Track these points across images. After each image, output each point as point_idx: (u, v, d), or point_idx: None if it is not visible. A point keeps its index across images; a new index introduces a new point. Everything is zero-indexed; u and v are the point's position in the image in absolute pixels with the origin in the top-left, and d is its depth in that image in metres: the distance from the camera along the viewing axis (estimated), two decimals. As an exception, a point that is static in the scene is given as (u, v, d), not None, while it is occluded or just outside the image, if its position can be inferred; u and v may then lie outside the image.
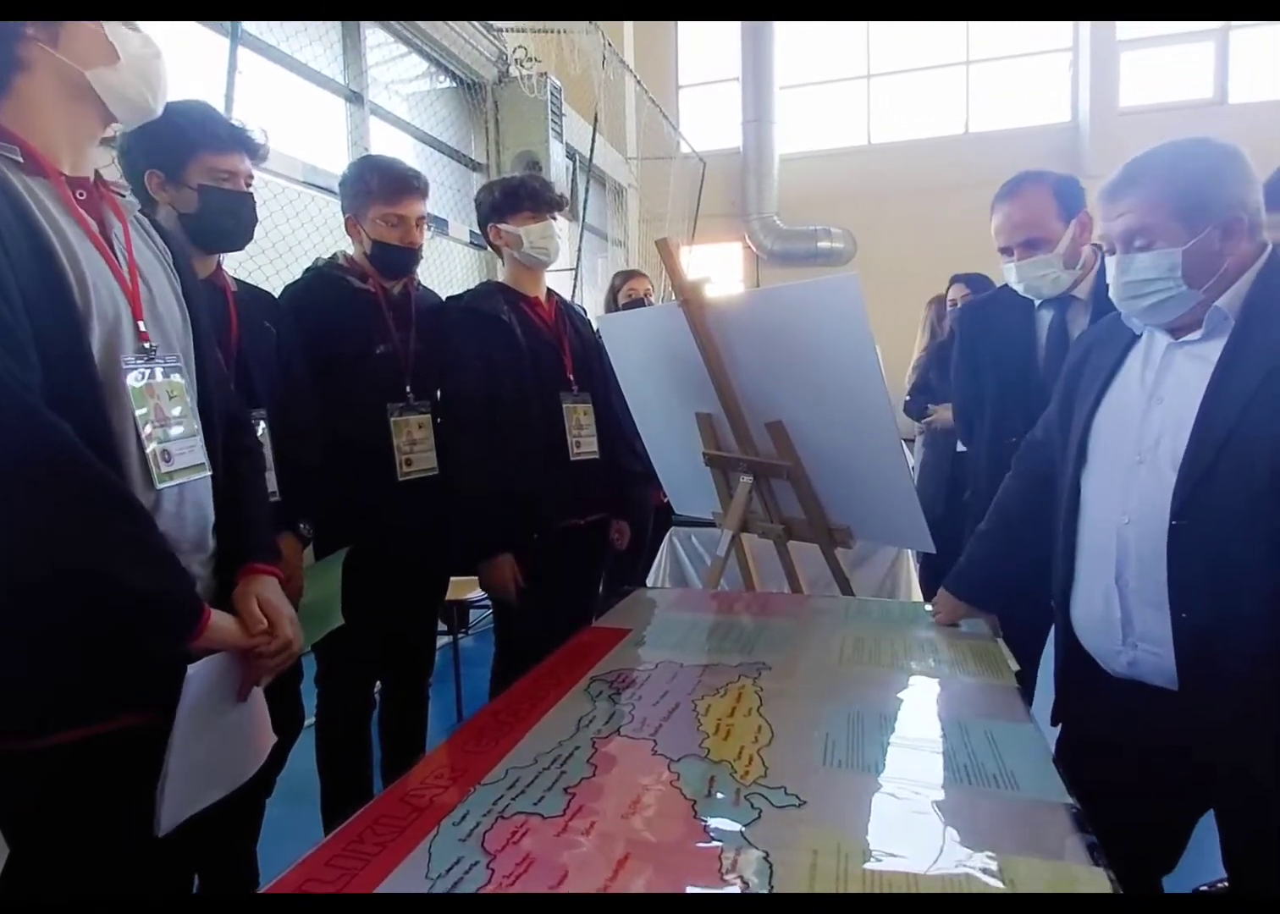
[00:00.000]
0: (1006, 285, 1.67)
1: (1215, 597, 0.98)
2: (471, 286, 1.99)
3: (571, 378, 1.91)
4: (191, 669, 0.86)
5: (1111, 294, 1.10)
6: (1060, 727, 1.23)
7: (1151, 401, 1.08)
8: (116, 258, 0.90)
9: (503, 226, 1.86)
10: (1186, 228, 1.01)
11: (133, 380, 0.88)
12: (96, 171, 0.94)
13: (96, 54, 0.86)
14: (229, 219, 1.35)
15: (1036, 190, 1.56)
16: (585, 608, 1.84)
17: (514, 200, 1.83)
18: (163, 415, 0.91)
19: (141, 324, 0.90)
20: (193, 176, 1.30)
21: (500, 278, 2.00)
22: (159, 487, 0.89)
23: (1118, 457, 1.10)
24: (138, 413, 0.88)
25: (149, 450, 0.89)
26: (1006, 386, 1.69)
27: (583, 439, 1.91)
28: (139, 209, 1.01)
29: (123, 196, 0.97)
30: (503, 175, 2.00)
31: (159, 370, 0.92)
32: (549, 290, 1.99)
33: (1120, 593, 1.08)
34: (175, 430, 0.93)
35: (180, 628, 0.86)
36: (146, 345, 0.90)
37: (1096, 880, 0.68)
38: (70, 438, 0.78)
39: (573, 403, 1.91)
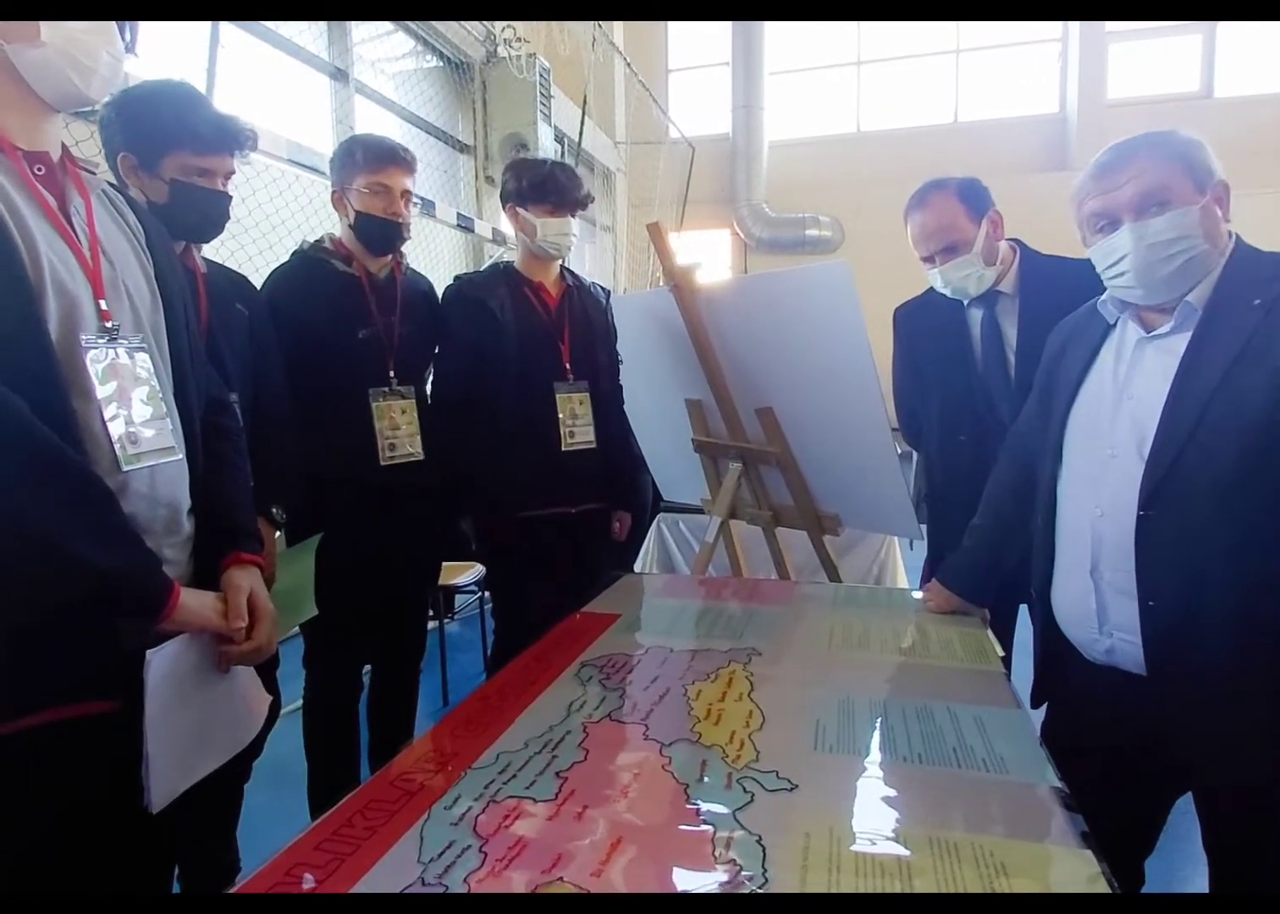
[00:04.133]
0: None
1: (1182, 586, 1.00)
2: (458, 269, 1.97)
3: (568, 366, 1.89)
4: (150, 654, 0.85)
5: (1128, 265, 1.04)
6: (1045, 711, 1.25)
7: (1123, 396, 1.09)
8: (76, 235, 0.87)
9: (521, 211, 1.85)
10: (1196, 186, 1.01)
11: (94, 359, 0.86)
12: (65, 146, 0.91)
13: (16, 29, 0.81)
14: (197, 216, 1.31)
15: (943, 197, 1.60)
16: (578, 594, 1.85)
17: (538, 191, 1.82)
18: (128, 396, 0.89)
19: (103, 303, 0.88)
20: (166, 170, 1.26)
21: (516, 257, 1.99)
22: (126, 469, 0.87)
23: (1091, 451, 1.12)
24: (101, 393, 0.86)
25: (114, 432, 0.86)
26: (948, 386, 1.72)
27: (577, 429, 1.89)
28: (109, 184, 0.98)
29: (91, 174, 0.94)
30: (532, 156, 1.97)
31: (123, 350, 0.89)
32: (563, 272, 1.96)
33: (1095, 584, 1.10)
34: (142, 412, 0.90)
35: (148, 606, 0.85)
36: (109, 324, 0.88)
37: (1084, 863, 0.69)
38: (22, 411, 0.76)
39: (568, 392, 1.89)
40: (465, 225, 3.85)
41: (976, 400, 1.67)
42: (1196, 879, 1.11)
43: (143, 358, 0.92)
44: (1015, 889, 0.66)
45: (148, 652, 0.85)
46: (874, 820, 0.77)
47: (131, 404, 0.89)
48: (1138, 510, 1.02)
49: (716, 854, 0.71)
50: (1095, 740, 1.11)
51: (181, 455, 0.96)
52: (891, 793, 0.82)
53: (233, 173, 1.34)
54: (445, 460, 1.81)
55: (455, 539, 1.88)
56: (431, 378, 1.90)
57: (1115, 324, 1.15)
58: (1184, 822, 1.11)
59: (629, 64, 6.05)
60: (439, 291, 1.92)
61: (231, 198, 1.35)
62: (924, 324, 1.78)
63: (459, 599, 3.38)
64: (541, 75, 4.82)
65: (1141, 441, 1.04)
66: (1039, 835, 0.74)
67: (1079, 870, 0.69)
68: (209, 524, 1.00)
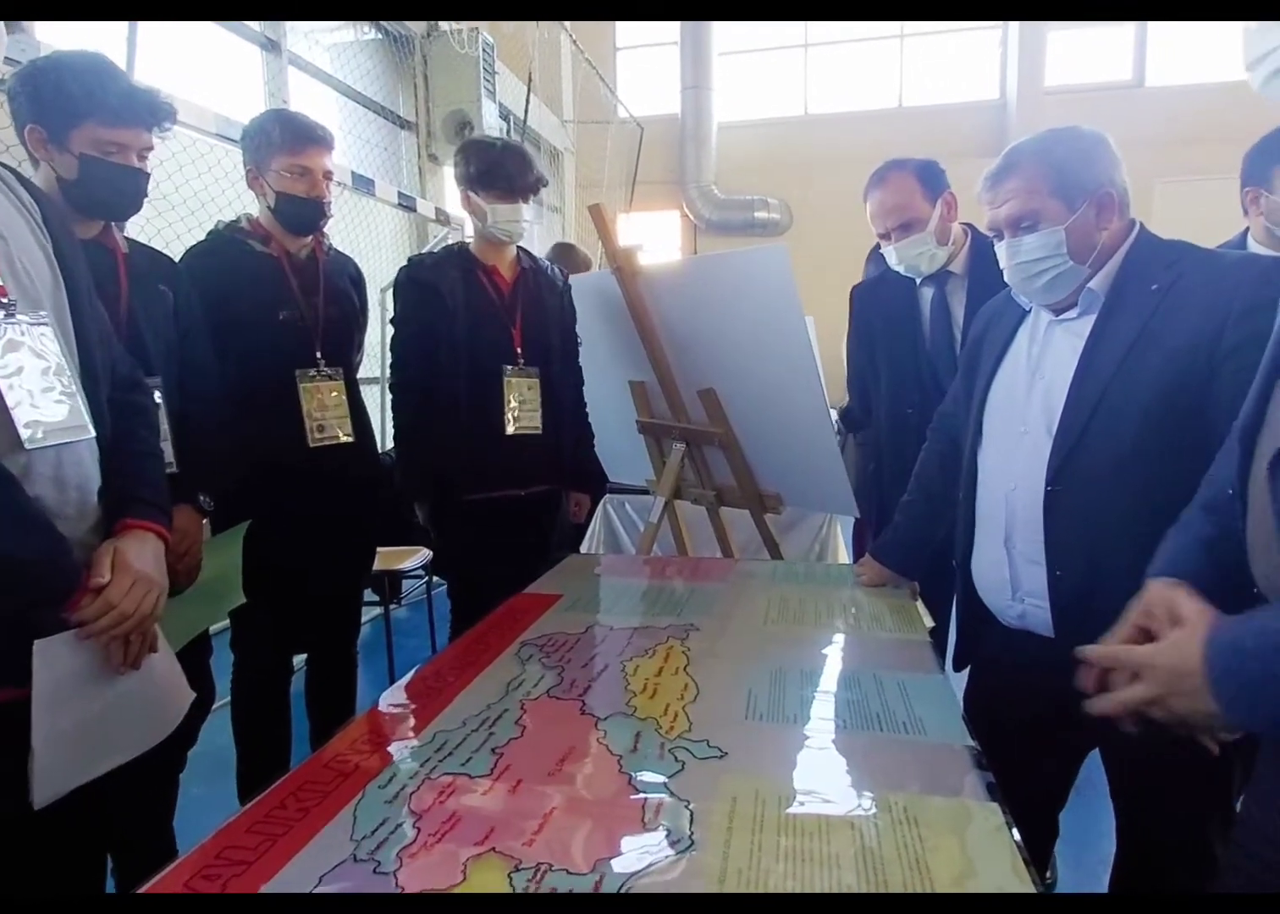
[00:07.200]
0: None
1: (1087, 555, 1.06)
2: (400, 250, 1.94)
3: (519, 351, 1.88)
4: (38, 644, 0.82)
5: (1006, 277, 1.15)
6: (966, 675, 1.31)
7: (1035, 376, 1.15)
8: None
9: (473, 195, 1.84)
10: (1065, 206, 1.07)
11: None
12: None
13: None
14: (109, 192, 1.26)
15: (902, 176, 1.66)
16: (531, 575, 1.85)
17: (488, 177, 1.81)
18: (30, 374, 0.86)
19: None
20: (76, 144, 1.21)
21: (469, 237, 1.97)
22: (30, 448, 0.85)
23: (1006, 428, 1.18)
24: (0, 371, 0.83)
25: (14, 411, 0.84)
26: (898, 361, 1.79)
27: (523, 414, 1.89)
28: None
29: None
30: (483, 137, 1.94)
31: (22, 327, 0.86)
32: (520, 255, 1.95)
33: (1008, 553, 1.16)
34: (45, 390, 0.88)
35: (57, 595, 0.83)
36: (4, 300, 0.85)
37: (991, 813, 0.74)
38: None
39: (517, 376, 1.88)
40: (407, 205, 3.76)
41: (923, 375, 1.74)
42: (1108, 830, 1.17)
43: (42, 333, 0.89)
44: (925, 838, 0.69)
45: (35, 642, 0.82)
46: (798, 783, 0.80)
47: (34, 382, 0.87)
48: (1045, 486, 1.08)
49: (646, 820, 0.74)
50: (1011, 700, 1.17)
51: (91, 435, 0.93)
52: (816, 757, 0.86)
53: (149, 148, 1.29)
54: (407, 445, 1.80)
55: (399, 522, 1.86)
56: (390, 362, 1.88)
57: (1031, 308, 1.20)
58: (1096, 776, 1.18)
59: (575, 41, 5.96)
60: (378, 273, 1.90)
61: (149, 175, 1.30)
62: (877, 301, 1.84)
63: (406, 584, 3.35)
64: (485, 51, 4.72)
65: (1050, 420, 1.10)
66: (951, 791, 0.78)
67: (986, 821, 0.73)
68: (109, 498, 0.96)
